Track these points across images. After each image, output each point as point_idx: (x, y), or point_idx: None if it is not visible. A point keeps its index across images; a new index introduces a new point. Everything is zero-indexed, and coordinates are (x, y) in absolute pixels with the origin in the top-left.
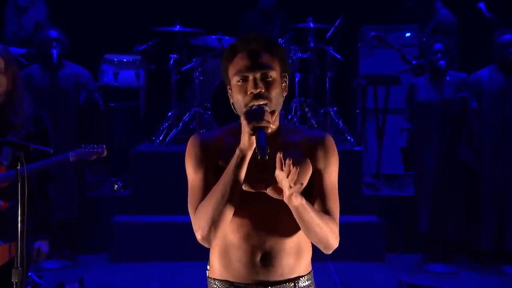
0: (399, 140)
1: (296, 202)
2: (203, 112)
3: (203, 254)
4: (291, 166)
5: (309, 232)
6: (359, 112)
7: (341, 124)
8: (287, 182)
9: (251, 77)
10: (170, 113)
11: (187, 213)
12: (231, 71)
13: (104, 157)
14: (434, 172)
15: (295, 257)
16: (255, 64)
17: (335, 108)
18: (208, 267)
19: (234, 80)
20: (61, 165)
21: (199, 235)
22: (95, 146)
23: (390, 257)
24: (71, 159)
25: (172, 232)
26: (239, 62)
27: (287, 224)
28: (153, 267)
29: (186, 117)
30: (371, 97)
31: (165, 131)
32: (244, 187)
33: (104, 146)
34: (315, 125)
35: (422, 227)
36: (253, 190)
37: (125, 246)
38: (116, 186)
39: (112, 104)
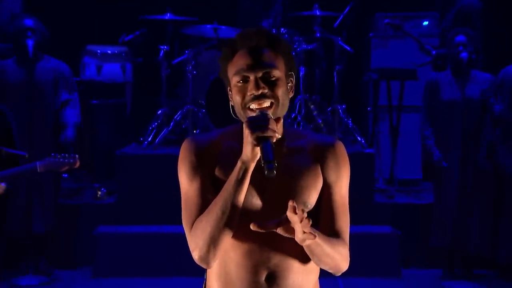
0: (432, 153)
1: (309, 242)
2: (196, 110)
3: (198, 269)
4: (304, 215)
5: (319, 263)
6: (371, 110)
7: (350, 124)
8: (300, 227)
9: (252, 77)
10: (160, 111)
11: (179, 223)
12: (231, 70)
13: (88, 162)
14: (456, 180)
15: (302, 275)
16: (257, 63)
17: (343, 106)
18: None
19: (234, 81)
20: (28, 175)
21: (196, 255)
22: (67, 155)
23: (406, 272)
24: (38, 170)
25: (162, 244)
26: (239, 60)
27: (294, 240)
28: (141, 283)
29: (177, 116)
30: (384, 93)
31: (154, 131)
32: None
33: (77, 156)
34: (322, 125)
35: (442, 240)
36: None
37: (110, 260)
38: (99, 193)
39: (95, 102)
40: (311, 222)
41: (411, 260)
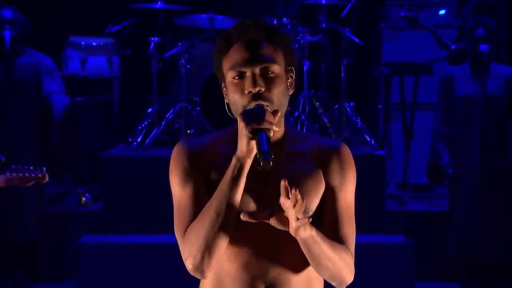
0: (442, 156)
1: (305, 235)
2: (190, 108)
3: (191, 282)
4: (299, 197)
5: (319, 267)
6: (382, 108)
7: (359, 123)
8: (294, 213)
9: (249, 73)
10: (150, 109)
11: (171, 232)
12: (226, 65)
13: (71, 164)
14: (475, 184)
15: None
16: (254, 57)
17: (352, 103)
18: None
19: (229, 76)
20: None
21: (189, 264)
22: (32, 168)
23: (420, 286)
24: None
25: (152, 254)
26: (234, 54)
27: (295, 250)
28: None
29: (169, 114)
30: (396, 90)
31: (144, 131)
32: (243, 217)
33: (44, 169)
34: (328, 124)
35: (459, 250)
36: (253, 221)
37: (95, 273)
38: (83, 199)
39: (79, 99)
40: (305, 207)
41: (425, 272)
